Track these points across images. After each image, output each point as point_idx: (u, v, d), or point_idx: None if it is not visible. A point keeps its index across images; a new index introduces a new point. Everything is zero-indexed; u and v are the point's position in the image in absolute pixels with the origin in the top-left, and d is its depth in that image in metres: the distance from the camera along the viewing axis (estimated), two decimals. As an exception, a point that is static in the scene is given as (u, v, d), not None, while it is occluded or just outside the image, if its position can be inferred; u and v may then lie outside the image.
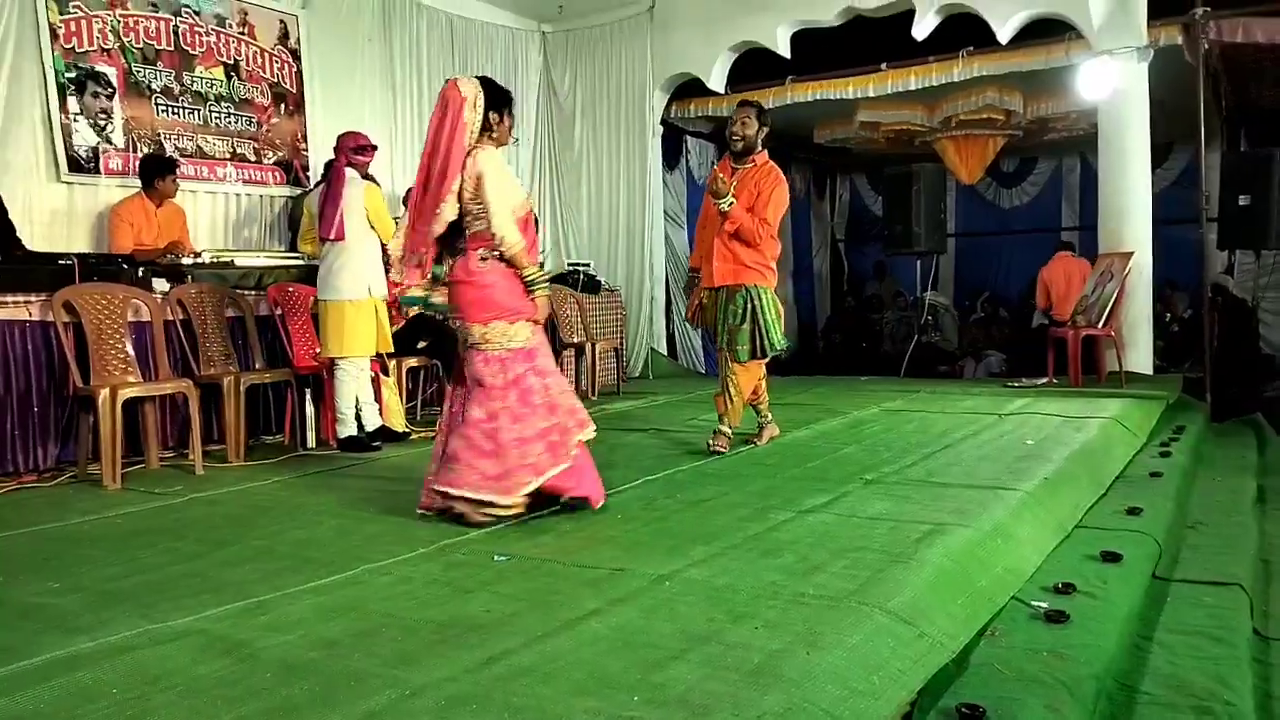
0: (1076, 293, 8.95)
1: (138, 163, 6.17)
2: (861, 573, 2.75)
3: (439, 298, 3.76)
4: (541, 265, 3.92)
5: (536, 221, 7.01)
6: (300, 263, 6.01)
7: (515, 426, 3.54)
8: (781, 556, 2.96)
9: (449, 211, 3.62)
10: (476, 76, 3.73)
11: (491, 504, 3.50)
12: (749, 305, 4.86)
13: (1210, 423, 7.08)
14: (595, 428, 3.77)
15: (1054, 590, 3.00)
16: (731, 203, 4.78)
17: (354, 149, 5.40)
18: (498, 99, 3.69)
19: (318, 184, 7.00)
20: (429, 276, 3.74)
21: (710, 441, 4.95)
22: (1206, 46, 7.29)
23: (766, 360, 5.01)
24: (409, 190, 3.92)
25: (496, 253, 3.60)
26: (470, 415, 3.58)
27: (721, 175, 4.93)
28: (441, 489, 3.57)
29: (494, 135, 3.69)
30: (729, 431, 4.99)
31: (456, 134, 3.58)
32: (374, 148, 5.55)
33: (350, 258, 5.28)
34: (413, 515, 3.72)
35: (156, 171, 5.97)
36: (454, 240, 3.72)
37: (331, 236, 5.24)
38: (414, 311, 6.27)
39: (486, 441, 3.52)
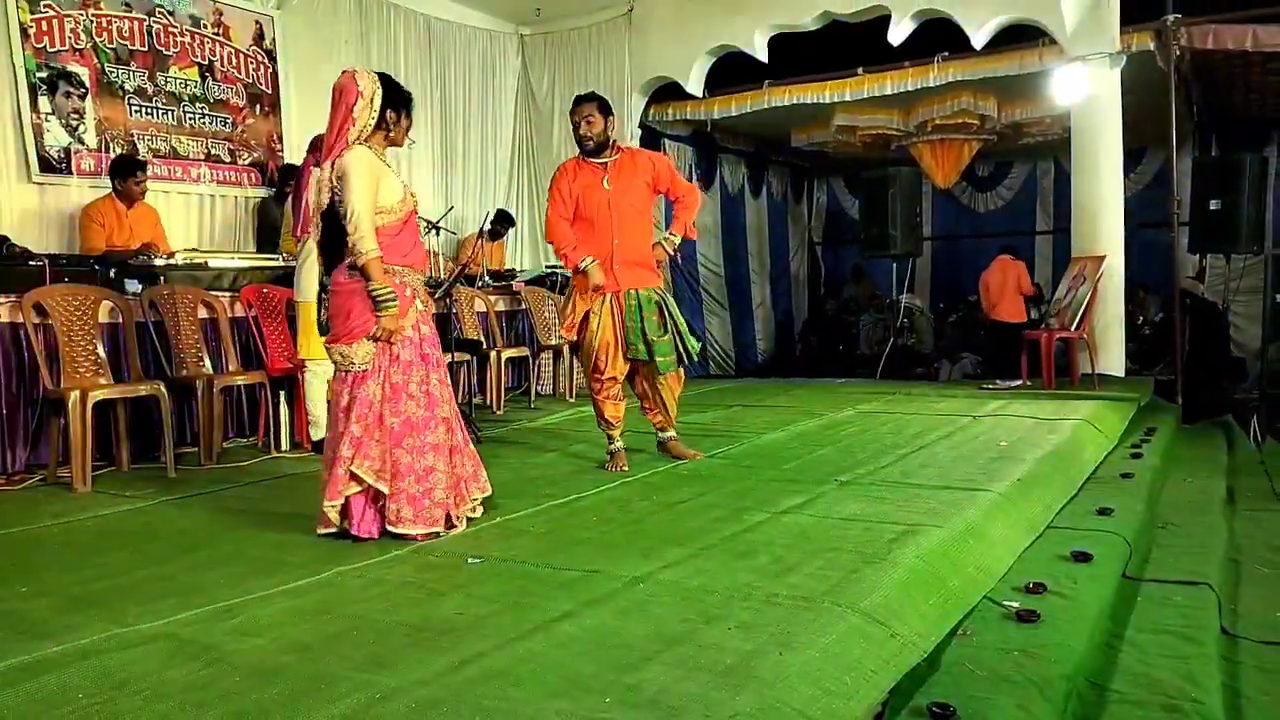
0: (1011, 295, 9.10)
1: (109, 163, 6.10)
2: (835, 573, 2.76)
3: (322, 313, 3.54)
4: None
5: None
6: (275, 264, 5.97)
7: (344, 449, 3.33)
8: (756, 558, 2.97)
9: (318, 215, 3.46)
10: (378, 73, 3.54)
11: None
12: (664, 312, 4.59)
13: (1181, 424, 7.16)
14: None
15: (1025, 590, 3.02)
16: (675, 239, 4.67)
17: (320, 146, 5.29)
18: (397, 98, 3.52)
19: (278, 186, 6.99)
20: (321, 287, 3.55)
21: (610, 464, 4.66)
22: (1178, 53, 7.37)
23: (685, 367, 4.76)
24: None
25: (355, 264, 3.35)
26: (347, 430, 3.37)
27: (595, 171, 4.58)
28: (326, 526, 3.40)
29: (390, 135, 3.54)
30: (623, 446, 4.73)
31: (343, 132, 3.41)
32: None
33: (316, 258, 5.21)
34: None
35: (121, 173, 5.90)
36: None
37: (298, 233, 5.21)
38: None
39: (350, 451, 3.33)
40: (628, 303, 4.56)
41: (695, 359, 4.88)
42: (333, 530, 3.38)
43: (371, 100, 3.45)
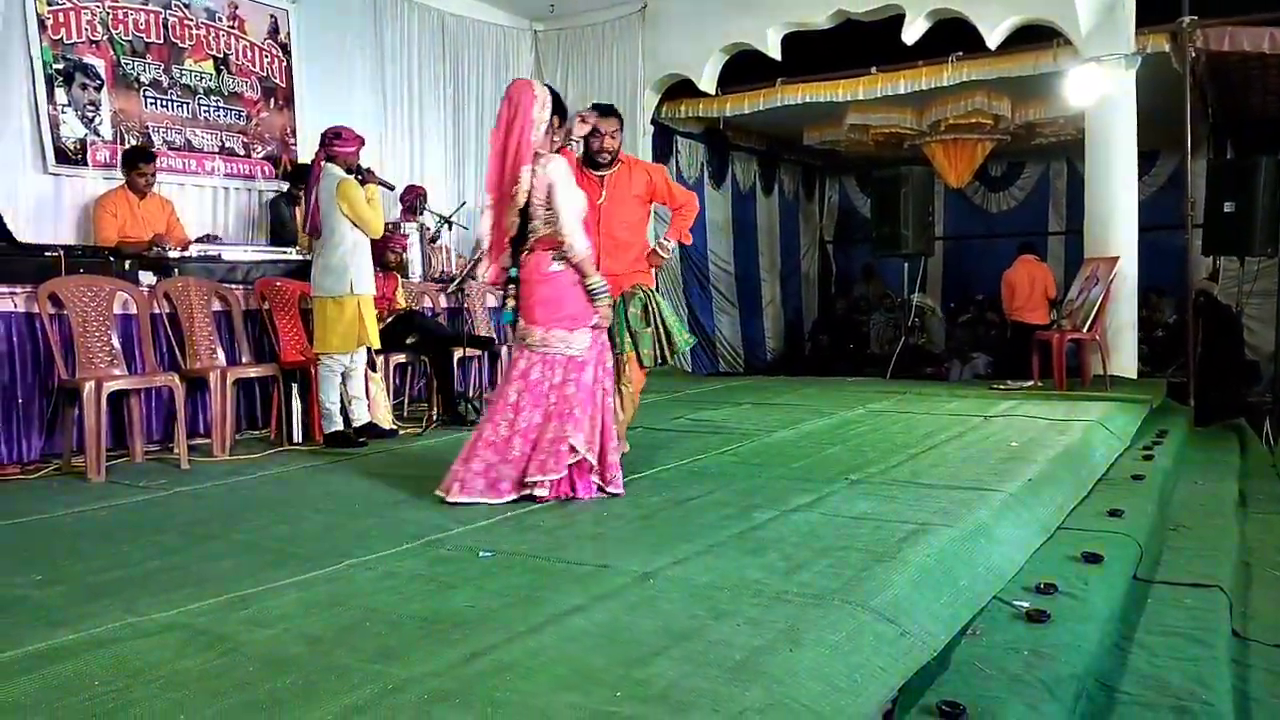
0: (1039, 296, 8.99)
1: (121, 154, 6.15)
2: (845, 571, 2.76)
3: (512, 302, 3.85)
4: None
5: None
6: (289, 257, 6.00)
7: (552, 425, 3.74)
8: (765, 555, 2.97)
9: (515, 214, 3.75)
10: (546, 85, 3.88)
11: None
12: (647, 309, 4.56)
13: (1193, 427, 7.14)
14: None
15: (1036, 590, 3.02)
16: (671, 244, 4.88)
17: (332, 141, 5.27)
18: (559, 105, 3.84)
19: (290, 181, 7.01)
20: (507, 275, 3.85)
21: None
22: (1193, 54, 7.34)
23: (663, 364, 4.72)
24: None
25: (564, 257, 3.74)
26: (525, 423, 3.76)
27: (597, 180, 4.65)
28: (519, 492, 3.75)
29: (553, 139, 3.80)
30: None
31: (525, 133, 3.68)
32: (357, 139, 5.39)
33: (329, 254, 5.23)
34: (397, 510, 3.74)
35: (125, 164, 5.96)
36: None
37: (307, 232, 5.24)
38: (402, 307, 6.29)
39: (519, 439, 3.74)
40: (618, 300, 4.45)
41: (675, 359, 4.85)
42: (466, 499, 3.70)
43: (545, 103, 3.74)
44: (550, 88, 3.86)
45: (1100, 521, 3.96)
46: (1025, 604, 2.88)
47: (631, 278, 4.62)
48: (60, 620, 2.49)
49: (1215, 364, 8.04)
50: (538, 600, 2.57)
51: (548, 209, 3.71)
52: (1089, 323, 7.22)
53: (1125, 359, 7.66)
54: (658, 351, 4.54)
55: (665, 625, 2.36)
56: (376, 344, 5.56)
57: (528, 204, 3.74)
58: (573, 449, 3.72)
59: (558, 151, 3.88)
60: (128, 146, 6.25)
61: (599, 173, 4.66)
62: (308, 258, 5.52)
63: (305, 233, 5.29)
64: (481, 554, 3.06)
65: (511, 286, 3.83)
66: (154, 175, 6.03)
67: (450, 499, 3.74)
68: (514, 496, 3.73)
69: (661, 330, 4.55)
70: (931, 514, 3.43)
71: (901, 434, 5.46)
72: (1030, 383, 7.58)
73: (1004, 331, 10.06)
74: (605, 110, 4.65)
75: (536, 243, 3.77)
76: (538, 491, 3.72)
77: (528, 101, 3.70)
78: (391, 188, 6.21)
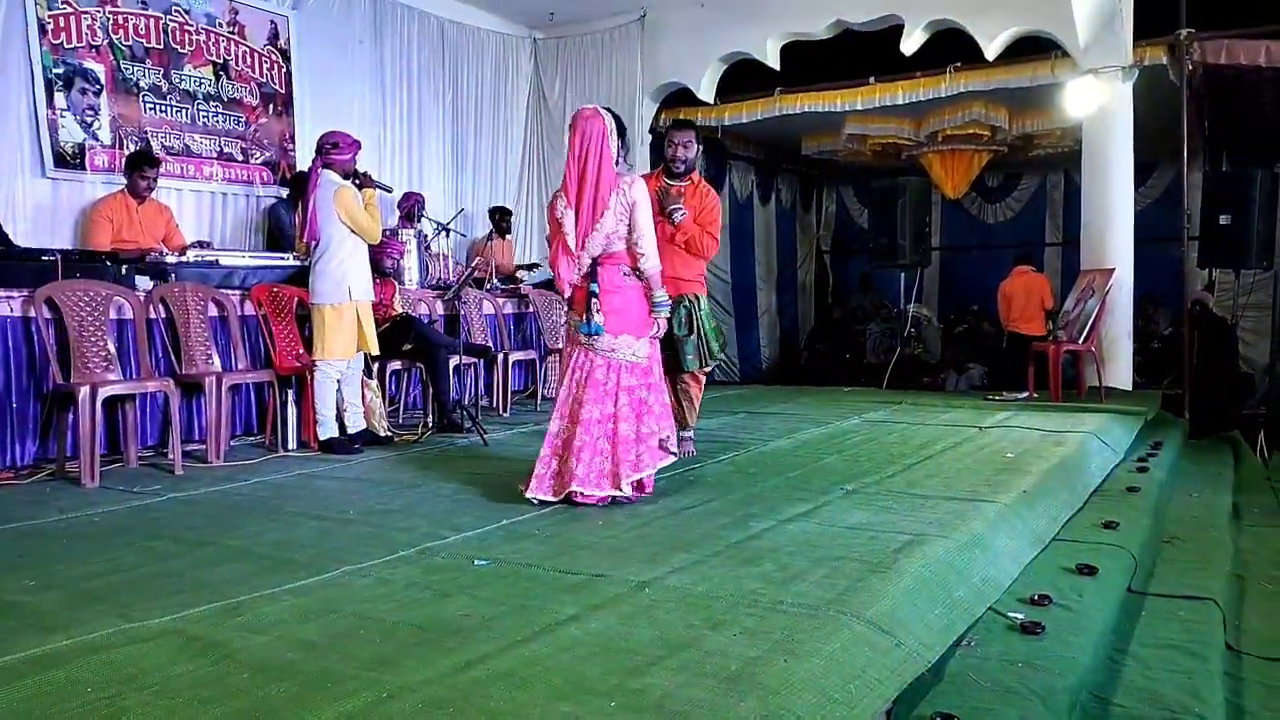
0: (1035, 307, 9.00)
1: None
2: (840, 582, 2.76)
3: (598, 316, 3.99)
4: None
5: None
6: (286, 263, 5.99)
7: (625, 425, 3.93)
8: (761, 565, 2.97)
9: (600, 240, 3.96)
10: (604, 108, 4.07)
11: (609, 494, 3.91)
12: (691, 315, 4.90)
13: (1188, 439, 7.15)
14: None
15: (1030, 602, 3.03)
16: (684, 213, 4.88)
17: (329, 148, 5.28)
18: (621, 127, 4.09)
19: (290, 189, 7.01)
20: (589, 290, 3.98)
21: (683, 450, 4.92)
22: (1190, 67, 7.38)
23: (708, 370, 5.09)
24: (551, 207, 4.12)
25: (635, 271, 4.02)
26: (587, 416, 3.92)
27: (674, 188, 4.96)
28: (571, 489, 3.87)
29: (616, 161, 4.01)
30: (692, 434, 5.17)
31: (605, 162, 3.94)
32: (354, 144, 5.38)
33: (327, 261, 5.25)
34: (392, 517, 3.74)
35: (130, 166, 5.98)
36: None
37: (305, 239, 5.24)
38: (398, 313, 6.29)
39: (603, 441, 3.92)
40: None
41: (711, 362, 5.12)
42: (543, 497, 3.90)
43: (613, 131, 4.00)
44: (611, 111, 4.05)
45: (1095, 533, 3.98)
46: (1020, 616, 2.88)
47: (687, 285, 4.90)
48: (53, 626, 2.49)
49: (1210, 376, 8.06)
50: (533, 609, 2.57)
51: (627, 228, 3.95)
52: (1085, 334, 7.23)
53: (1121, 370, 7.68)
54: (700, 356, 4.89)
55: (661, 635, 2.35)
56: (375, 350, 5.56)
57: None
58: (662, 444, 4.00)
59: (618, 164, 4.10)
60: (130, 151, 6.25)
61: (675, 182, 5.00)
62: (305, 264, 5.52)
63: (303, 240, 5.29)
64: (476, 562, 3.06)
65: (595, 300, 3.97)
66: (155, 180, 6.04)
67: (528, 495, 3.93)
68: (612, 492, 3.90)
69: (704, 334, 4.91)
70: (927, 525, 3.43)
71: (897, 444, 5.46)
72: (1026, 394, 7.59)
73: (999, 342, 10.07)
74: (680, 123, 5.19)
75: (606, 258, 3.99)
76: (625, 490, 3.89)
77: (599, 133, 3.93)
78: (389, 190, 6.22)
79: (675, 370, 4.89)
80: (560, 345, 7.81)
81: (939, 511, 3.66)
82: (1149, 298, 9.54)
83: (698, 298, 4.99)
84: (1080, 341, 7.24)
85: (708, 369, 5.11)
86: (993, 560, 3.27)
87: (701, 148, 5.09)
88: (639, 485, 3.97)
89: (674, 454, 4.12)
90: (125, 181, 5.98)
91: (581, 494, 3.85)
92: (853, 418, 6.59)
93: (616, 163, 4.00)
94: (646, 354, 4.05)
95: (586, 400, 3.93)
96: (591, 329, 3.95)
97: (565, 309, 4.24)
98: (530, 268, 8.62)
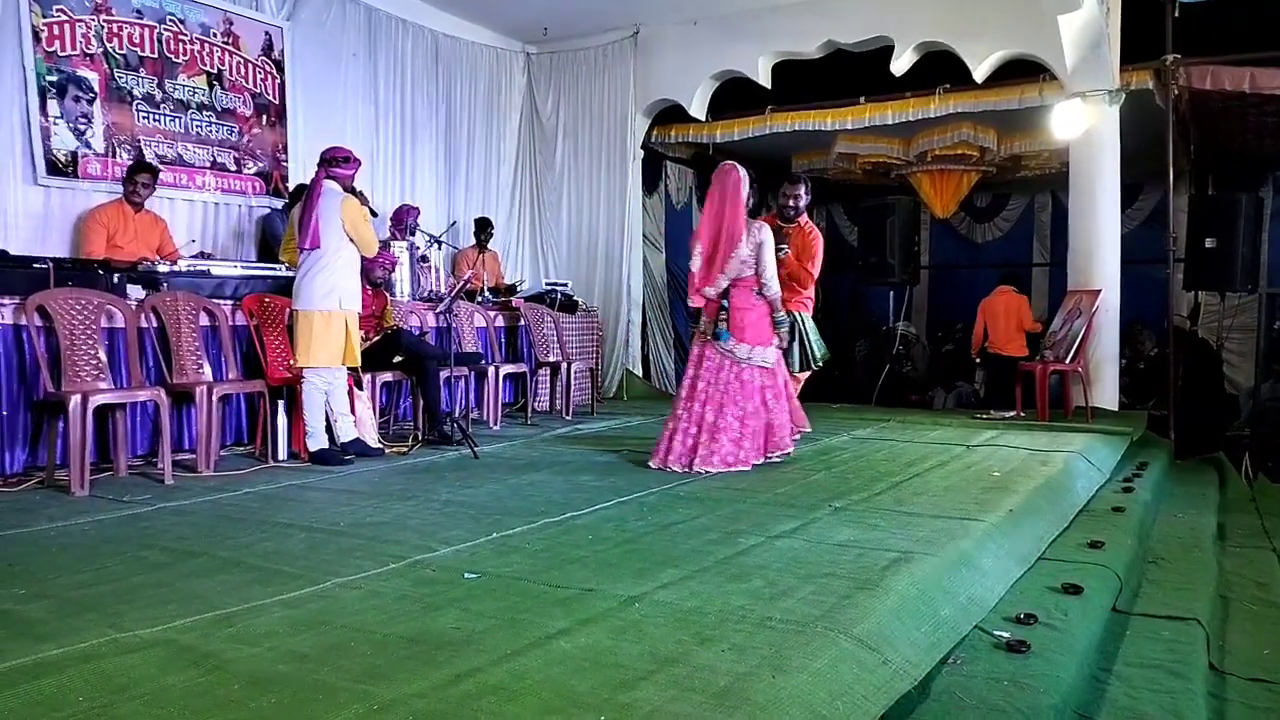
0: (1014, 329, 9.01)
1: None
2: (828, 599, 2.78)
3: (723, 326, 5.13)
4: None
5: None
6: (277, 273, 6.01)
7: (754, 418, 5.11)
8: (749, 581, 2.99)
9: (734, 268, 5.05)
10: (745, 168, 5.19)
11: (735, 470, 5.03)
12: (794, 328, 5.77)
13: (1173, 460, 7.20)
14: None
15: (1016, 620, 3.05)
16: (786, 252, 5.80)
17: (334, 161, 5.38)
18: (752, 179, 5.26)
19: (290, 199, 7.03)
20: (720, 305, 5.13)
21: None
22: (1176, 92, 7.47)
23: (812, 371, 6.07)
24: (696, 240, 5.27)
25: (761, 294, 5.15)
26: (727, 409, 5.06)
27: (784, 229, 5.93)
28: (702, 468, 5.01)
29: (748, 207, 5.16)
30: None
31: (739, 210, 5.07)
32: (357, 161, 5.50)
33: (323, 268, 5.28)
34: (382, 529, 3.75)
35: (127, 175, 6.03)
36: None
37: (307, 245, 5.26)
38: (389, 326, 6.30)
39: (737, 427, 5.08)
40: None
41: (818, 364, 6.04)
42: (669, 468, 5.08)
43: (747, 185, 5.15)
44: (745, 167, 5.21)
45: (1081, 553, 4.00)
46: (1006, 634, 2.90)
47: (791, 304, 5.74)
48: (43, 635, 2.49)
49: (1195, 398, 8.13)
50: (522, 623, 2.58)
51: (755, 261, 5.06)
52: (1071, 354, 7.29)
53: (1107, 391, 7.73)
54: (802, 360, 5.90)
55: (650, 650, 2.37)
56: (358, 363, 5.57)
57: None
58: (795, 431, 5.36)
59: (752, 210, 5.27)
60: (125, 159, 6.28)
61: (786, 224, 6.00)
62: (292, 274, 5.52)
63: (299, 246, 5.30)
64: (466, 575, 3.07)
65: (724, 313, 5.11)
66: (150, 189, 6.07)
67: (654, 465, 5.14)
68: (740, 468, 5.04)
69: (808, 344, 5.92)
70: (914, 542, 3.46)
71: (885, 461, 5.49)
72: (1013, 413, 7.64)
73: (969, 359, 9.97)
74: (794, 178, 6.17)
75: (739, 281, 5.11)
76: (773, 456, 5.23)
77: (734, 183, 5.09)
78: (375, 214, 6.26)
79: None
80: (550, 359, 7.87)
81: (926, 529, 3.69)
82: (1135, 319, 9.60)
83: (801, 315, 5.91)
84: (1067, 361, 7.29)
85: (808, 373, 6.06)
86: (979, 579, 3.29)
87: (810, 197, 6.06)
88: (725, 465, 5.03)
89: (794, 442, 5.34)
90: (123, 190, 6.00)
91: (718, 467, 4.99)
92: (841, 434, 6.63)
93: (748, 206, 5.12)
94: (773, 359, 5.21)
95: (720, 395, 5.07)
96: (722, 335, 5.10)
97: (697, 316, 5.39)
98: (512, 290, 8.57)
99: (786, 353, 5.65)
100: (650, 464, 5.15)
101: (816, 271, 6.04)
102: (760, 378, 5.16)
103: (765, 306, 5.17)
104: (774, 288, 5.14)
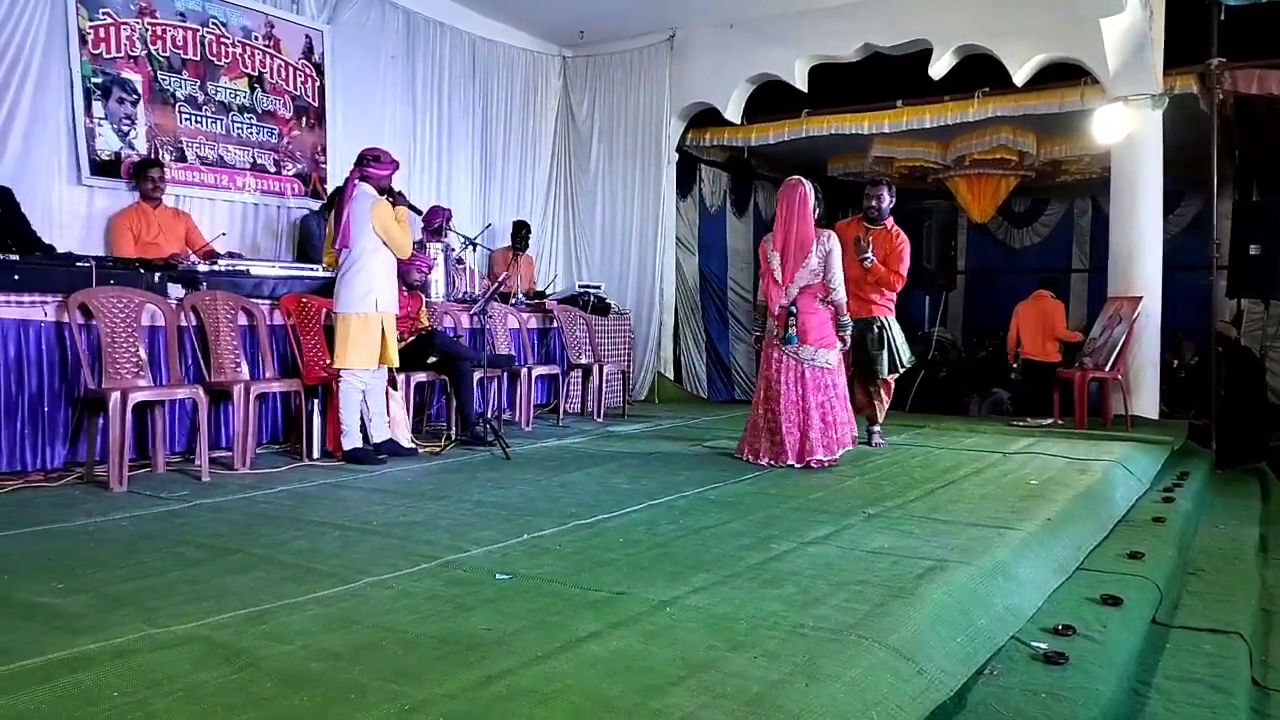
0: (1048, 335, 8.86)
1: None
2: (862, 606, 2.75)
3: (792, 331, 5.37)
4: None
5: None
6: (315, 274, 6.06)
7: (829, 414, 5.40)
8: (782, 587, 2.97)
9: (804, 276, 5.33)
10: (810, 180, 5.46)
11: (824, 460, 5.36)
12: (882, 333, 6.02)
13: (1214, 470, 7.07)
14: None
15: (1054, 632, 3.00)
16: (871, 260, 5.92)
17: (369, 161, 5.39)
18: (818, 192, 5.53)
19: (328, 201, 7.09)
20: (788, 310, 5.37)
21: (872, 442, 6.25)
22: (1221, 96, 7.35)
23: (899, 375, 6.21)
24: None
25: (826, 300, 5.41)
26: (808, 405, 5.35)
27: (870, 232, 6.04)
28: (802, 462, 5.34)
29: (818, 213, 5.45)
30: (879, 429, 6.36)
31: (807, 222, 5.34)
32: (393, 162, 5.50)
33: (357, 271, 5.31)
34: (414, 529, 3.76)
35: (136, 173, 6.13)
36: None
37: (338, 246, 5.31)
38: (424, 327, 6.34)
39: (820, 422, 5.37)
40: (857, 327, 5.81)
41: (904, 367, 6.18)
42: (751, 460, 5.48)
43: (813, 197, 5.42)
44: (809, 181, 5.46)
45: (1120, 563, 3.94)
46: (1043, 645, 2.86)
47: (878, 308, 6.04)
48: (80, 629, 2.52)
49: (1238, 407, 7.97)
50: (553, 625, 2.58)
51: (824, 269, 5.32)
52: (1111, 361, 7.18)
53: (1147, 399, 7.61)
54: (889, 365, 6.06)
55: (682, 655, 2.35)
56: (396, 363, 5.61)
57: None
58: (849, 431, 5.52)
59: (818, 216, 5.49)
60: (171, 161, 6.39)
61: (872, 227, 6.08)
62: (333, 275, 5.57)
63: (334, 247, 5.35)
64: (497, 576, 3.07)
65: (792, 319, 5.34)
66: (162, 180, 6.18)
67: (740, 457, 5.55)
68: (794, 464, 5.33)
69: (894, 347, 6.06)
70: (949, 551, 3.42)
71: (920, 468, 5.44)
72: (1050, 420, 7.54)
73: (1008, 368, 9.83)
74: (875, 180, 6.41)
75: (806, 288, 5.38)
76: (819, 457, 5.34)
77: (800, 197, 5.36)
78: (420, 212, 6.30)
79: (870, 378, 6.13)
80: (581, 361, 7.88)
81: (962, 537, 3.65)
82: (1176, 327, 9.43)
83: (887, 320, 6.07)
84: (1107, 369, 7.18)
85: (896, 375, 6.18)
86: (1016, 588, 3.25)
87: (894, 199, 6.11)
88: (827, 461, 5.33)
89: (850, 443, 5.55)
90: (139, 191, 6.13)
91: (810, 460, 5.31)
92: (875, 440, 6.56)
93: (816, 216, 5.36)
94: (836, 361, 5.46)
95: (795, 394, 5.36)
96: (790, 339, 5.34)
97: (766, 321, 5.58)
98: (541, 295, 8.56)
99: (874, 358, 5.99)
100: (745, 458, 5.52)
101: (904, 275, 6.08)
102: (824, 377, 5.41)
103: (828, 311, 5.42)
104: (840, 294, 5.39)
